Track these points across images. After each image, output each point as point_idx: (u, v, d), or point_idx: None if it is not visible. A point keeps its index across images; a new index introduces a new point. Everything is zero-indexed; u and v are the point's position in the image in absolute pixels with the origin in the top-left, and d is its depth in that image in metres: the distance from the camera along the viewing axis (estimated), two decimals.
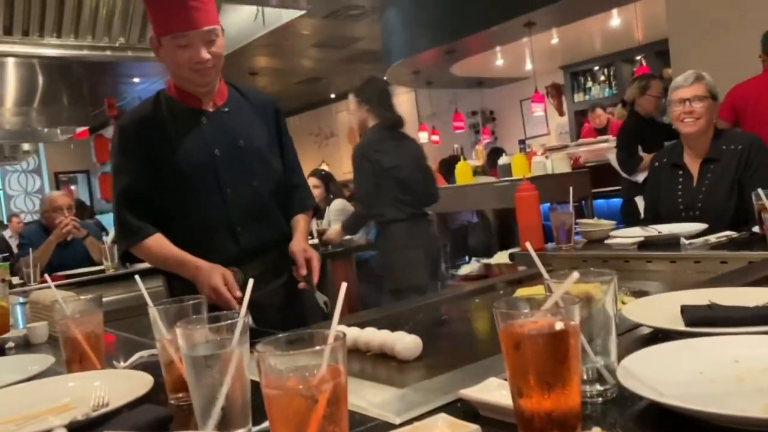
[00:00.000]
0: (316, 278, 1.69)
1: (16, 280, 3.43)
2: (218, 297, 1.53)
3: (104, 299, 1.60)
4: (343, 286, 0.67)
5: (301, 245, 1.76)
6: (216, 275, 1.56)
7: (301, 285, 1.71)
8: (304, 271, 1.69)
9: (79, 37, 3.54)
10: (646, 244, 2.01)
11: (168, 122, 1.69)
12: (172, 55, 1.60)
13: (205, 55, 1.59)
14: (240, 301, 1.48)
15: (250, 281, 0.83)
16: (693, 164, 2.39)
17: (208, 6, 1.60)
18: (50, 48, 3.50)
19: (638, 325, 1.04)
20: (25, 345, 1.61)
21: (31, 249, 3.42)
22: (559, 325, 0.65)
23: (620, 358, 0.80)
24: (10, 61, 3.99)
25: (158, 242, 1.67)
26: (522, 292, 1.56)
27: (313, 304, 1.73)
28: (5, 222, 10.59)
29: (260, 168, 1.75)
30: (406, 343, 1.16)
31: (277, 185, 1.80)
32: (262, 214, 1.76)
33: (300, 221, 1.86)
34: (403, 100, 12.50)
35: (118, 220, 1.70)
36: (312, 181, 4.87)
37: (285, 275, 1.81)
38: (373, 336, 1.22)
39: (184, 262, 1.62)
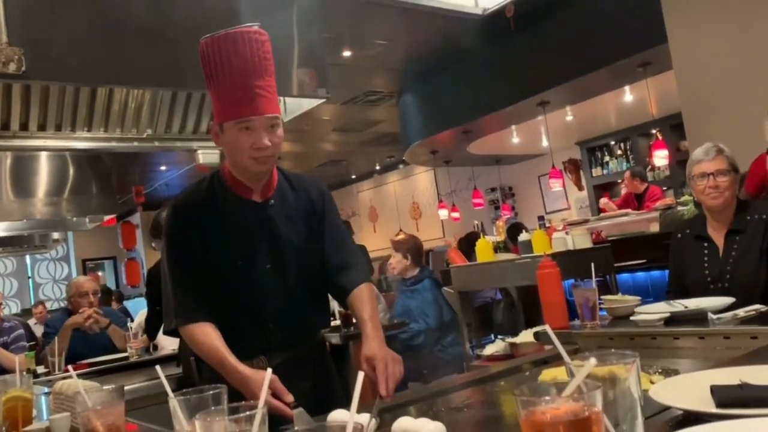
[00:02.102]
0: (390, 389, 1.49)
1: (41, 369, 3.44)
2: (271, 408, 1.45)
3: (127, 387, 1.60)
4: (360, 375, 0.67)
5: (375, 351, 1.56)
6: (258, 385, 1.46)
7: (387, 399, 1.49)
8: (384, 393, 1.48)
9: (109, 130, 3.69)
10: (672, 320, 1.96)
11: (218, 208, 1.71)
12: (234, 139, 1.62)
13: (267, 141, 1.61)
14: (293, 405, 1.47)
15: (268, 371, 0.84)
16: (717, 236, 2.37)
17: (273, 95, 1.64)
18: (81, 141, 3.64)
19: (667, 408, 1.01)
20: None
21: (56, 338, 3.44)
22: (581, 412, 0.64)
23: None
24: (43, 154, 4.15)
25: (207, 332, 1.63)
26: (548, 373, 1.52)
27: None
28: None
29: (297, 266, 1.74)
30: (429, 430, 1.14)
31: (314, 281, 1.79)
32: (295, 313, 1.75)
33: (363, 302, 1.72)
34: (423, 179, 12.67)
35: (174, 296, 1.68)
36: None
37: (317, 359, 1.81)
38: (397, 423, 1.20)
39: (227, 366, 1.57)
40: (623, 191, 7.35)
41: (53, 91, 3.12)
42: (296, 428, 0.65)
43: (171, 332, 1.75)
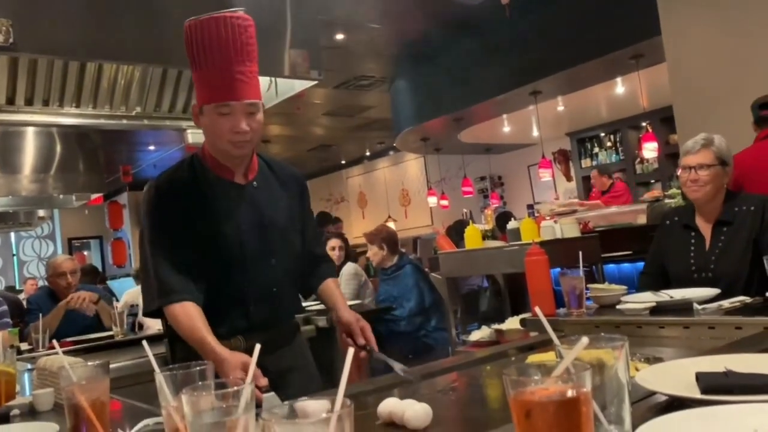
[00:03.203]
0: (373, 344, 1.74)
1: (24, 345, 3.42)
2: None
3: (113, 365, 1.58)
4: (350, 351, 0.67)
5: (351, 315, 1.80)
6: (238, 372, 1.50)
7: (362, 354, 1.74)
8: (362, 341, 1.73)
9: (98, 107, 3.64)
10: (658, 309, 1.98)
11: (201, 189, 1.72)
12: (212, 122, 1.64)
13: (245, 126, 1.63)
14: (264, 389, 1.47)
15: (257, 347, 0.83)
16: (705, 226, 2.38)
17: (253, 80, 1.66)
18: (69, 117, 3.60)
19: (653, 393, 1.02)
20: (31, 412, 1.59)
21: (41, 315, 3.41)
22: (570, 393, 0.64)
23: (635, 426, 0.78)
24: (30, 130, 4.10)
25: (189, 312, 1.63)
26: (534, 358, 1.53)
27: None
28: (17, 287, 10.63)
29: (281, 246, 1.78)
30: (415, 411, 1.14)
31: (295, 262, 1.84)
32: (276, 292, 1.78)
33: (335, 290, 1.92)
34: (412, 166, 12.66)
35: (157, 276, 1.67)
36: (333, 243, 4.91)
37: (292, 342, 1.84)
38: (382, 404, 1.20)
39: (205, 347, 1.57)
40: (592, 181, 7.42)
41: (41, 64, 3.07)
42: (275, 410, 0.64)
43: (152, 313, 1.74)
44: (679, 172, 2.43)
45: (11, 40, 2.38)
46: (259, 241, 1.73)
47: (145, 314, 1.81)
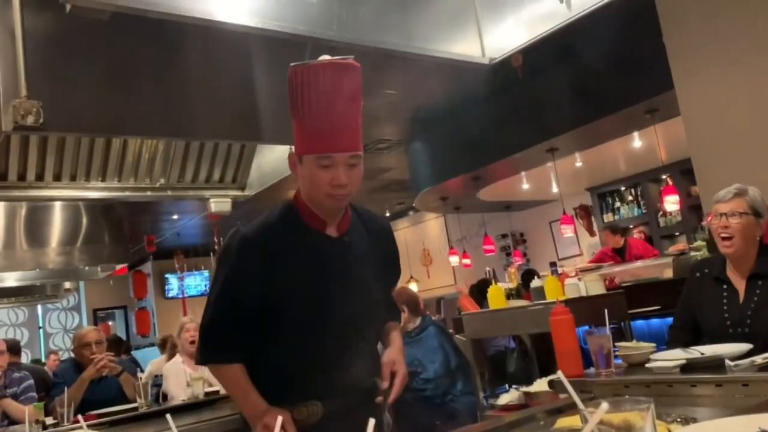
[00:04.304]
0: (392, 396, 1.62)
1: (49, 420, 3.40)
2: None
3: None
4: (371, 422, 0.66)
5: (391, 356, 1.70)
6: (272, 416, 1.47)
7: (378, 398, 1.62)
8: (386, 385, 1.61)
9: (123, 180, 3.75)
10: (689, 367, 1.93)
11: (292, 241, 1.62)
12: (311, 174, 1.56)
13: (345, 179, 1.55)
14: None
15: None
16: (738, 280, 2.32)
17: (357, 132, 1.59)
18: (95, 191, 3.70)
19: None
20: None
21: (66, 387, 3.41)
22: None
23: None
24: (57, 204, 4.22)
25: (236, 374, 1.60)
26: (563, 422, 1.49)
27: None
28: (43, 360, 10.67)
29: (368, 308, 1.68)
30: None
31: (377, 323, 1.75)
32: (357, 355, 1.66)
33: (392, 330, 1.82)
34: (433, 226, 12.69)
35: (215, 330, 1.63)
36: None
37: (369, 404, 1.70)
38: None
39: (249, 397, 1.57)
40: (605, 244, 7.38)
41: (69, 142, 3.19)
42: None
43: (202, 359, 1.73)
44: (710, 219, 2.38)
45: (41, 121, 2.49)
46: (346, 302, 1.63)
47: (198, 363, 1.83)
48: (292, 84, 1.56)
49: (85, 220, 5.58)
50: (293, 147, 1.69)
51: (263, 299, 1.59)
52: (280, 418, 0.83)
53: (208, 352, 1.65)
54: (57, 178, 3.45)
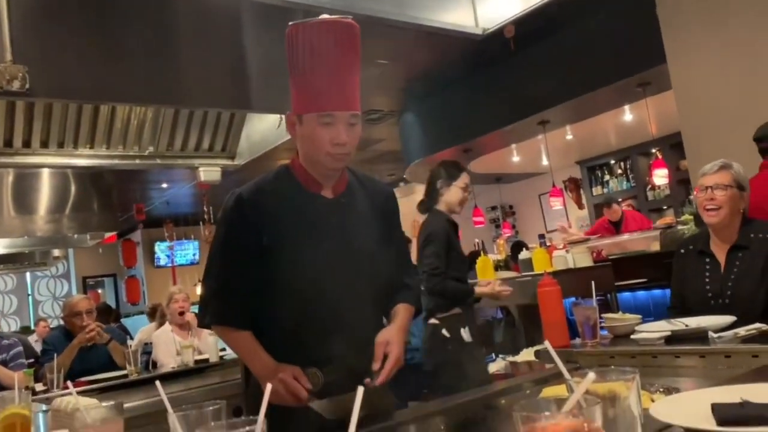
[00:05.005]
0: (380, 378, 1.54)
1: (39, 386, 3.42)
2: (286, 388, 1.47)
3: (127, 405, 1.58)
4: (360, 390, 0.67)
5: (385, 336, 1.61)
6: (287, 372, 1.49)
7: (366, 381, 1.53)
8: (376, 366, 1.54)
9: (111, 147, 3.71)
10: (673, 338, 1.96)
11: (288, 203, 1.60)
12: (312, 132, 1.54)
13: (345, 137, 1.53)
14: (309, 395, 1.45)
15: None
16: (720, 252, 2.37)
17: (356, 91, 1.57)
18: (83, 158, 3.67)
19: (668, 425, 1.01)
20: None
21: (55, 354, 3.43)
22: (581, 428, 0.64)
23: None
24: (45, 171, 4.18)
25: (243, 333, 1.60)
26: (548, 391, 1.52)
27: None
28: (32, 327, 10.68)
29: (367, 272, 1.63)
30: None
31: (379, 290, 1.69)
32: (357, 321, 1.62)
33: (398, 312, 1.72)
34: None
35: (216, 292, 1.63)
36: None
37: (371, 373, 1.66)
38: None
39: (257, 355, 1.57)
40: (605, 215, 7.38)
41: (56, 108, 3.14)
42: None
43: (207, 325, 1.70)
44: (695, 193, 2.42)
45: (27, 86, 2.45)
46: (344, 264, 1.60)
47: (200, 326, 1.77)
48: (292, 42, 1.54)
49: (73, 188, 5.53)
50: (283, 118, 1.66)
51: (260, 258, 1.57)
52: (269, 386, 0.83)
53: (217, 317, 1.63)
54: (44, 144, 3.42)
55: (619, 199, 8.91)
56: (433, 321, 3.11)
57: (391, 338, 1.60)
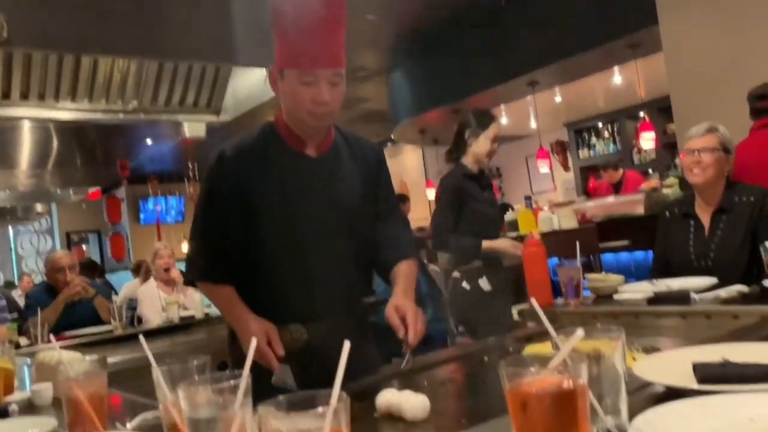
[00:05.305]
0: (411, 335, 1.45)
1: (23, 340, 3.42)
2: (259, 356, 1.44)
3: (111, 359, 1.58)
4: (346, 344, 0.67)
5: (392, 304, 1.54)
6: (261, 336, 1.46)
7: (405, 348, 1.48)
8: (401, 334, 1.46)
9: (94, 101, 3.63)
10: (655, 299, 1.98)
11: (270, 160, 1.58)
12: (292, 90, 1.51)
13: (328, 97, 1.49)
14: (280, 358, 1.44)
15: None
16: (704, 214, 2.39)
17: (341, 48, 1.51)
18: (65, 111, 3.59)
19: (649, 383, 1.02)
20: (30, 407, 1.59)
21: (39, 309, 3.42)
22: (566, 384, 0.64)
23: (631, 417, 0.78)
24: (26, 124, 4.10)
25: (223, 290, 1.59)
26: (531, 349, 1.54)
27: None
28: (15, 283, 10.63)
29: (348, 228, 1.63)
30: (412, 404, 1.14)
31: (363, 246, 1.68)
32: (340, 277, 1.63)
33: (400, 271, 1.68)
34: (410, 158, 12.65)
35: (201, 249, 1.62)
36: None
37: (354, 331, 1.60)
38: (380, 396, 1.20)
39: (234, 310, 1.56)
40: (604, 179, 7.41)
41: (36, 59, 3.06)
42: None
43: (192, 283, 1.71)
44: (682, 156, 2.43)
45: (5, 35, 2.37)
46: (325, 221, 1.59)
47: (186, 284, 1.78)
48: None
49: (55, 142, 5.43)
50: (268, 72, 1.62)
51: (243, 215, 1.56)
52: (254, 340, 0.83)
53: (201, 274, 1.63)
54: (24, 96, 3.33)
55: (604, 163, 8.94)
56: (455, 275, 3.14)
57: (399, 304, 1.54)
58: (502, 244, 3.07)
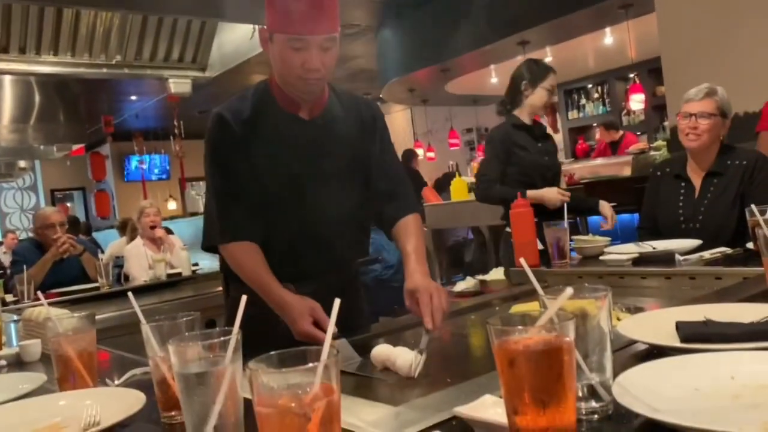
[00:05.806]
0: (427, 322, 1.35)
1: (9, 297, 3.41)
2: (312, 340, 1.39)
3: (99, 317, 1.58)
4: (337, 302, 0.67)
5: (408, 287, 1.45)
6: (306, 318, 1.42)
7: (429, 333, 1.34)
8: (430, 326, 1.34)
9: (76, 55, 3.56)
10: (640, 260, 2.01)
11: (264, 121, 1.56)
12: (282, 54, 1.46)
13: (318, 63, 1.45)
14: (335, 335, 1.41)
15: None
16: (696, 177, 2.39)
17: (333, 12, 1.47)
18: (47, 65, 3.51)
19: (633, 342, 1.04)
20: (18, 363, 1.60)
21: (25, 266, 3.40)
22: (553, 342, 0.65)
23: (616, 374, 0.80)
24: (7, 78, 4.01)
25: (251, 253, 1.54)
26: (517, 308, 1.55)
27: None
28: (0, 239, 10.56)
29: (340, 190, 1.62)
30: (406, 360, 1.17)
31: (355, 207, 1.66)
32: (331, 239, 1.62)
33: (405, 231, 1.61)
34: (399, 118, 12.57)
35: (220, 210, 1.58)
36: None
37: (346, 292, 1.56)
38: (375, 351, 1.23)
39: (270, 291, 1.49)
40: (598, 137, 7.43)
41: (16, 10, 2.98)
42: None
43: (209, 248, 1.67)
44: (678, 118, 2.41)
45: None
46: (317, 182, 1.58)
47: (204, 248, 1.72)
48: None
49: (38, 97, 5.33)
50: (256, 29, 1.58)
51: (246, 176, 1.55)
52: (244, 297, 0.83)
53: (223, 235, 1.59)
54: (4, 50, 3.26)
55: (594, 124, 8.94)
56: (508, 229, 3.09)
57: (416, 286, 1.44)
58: (547, 193, 2.99)
